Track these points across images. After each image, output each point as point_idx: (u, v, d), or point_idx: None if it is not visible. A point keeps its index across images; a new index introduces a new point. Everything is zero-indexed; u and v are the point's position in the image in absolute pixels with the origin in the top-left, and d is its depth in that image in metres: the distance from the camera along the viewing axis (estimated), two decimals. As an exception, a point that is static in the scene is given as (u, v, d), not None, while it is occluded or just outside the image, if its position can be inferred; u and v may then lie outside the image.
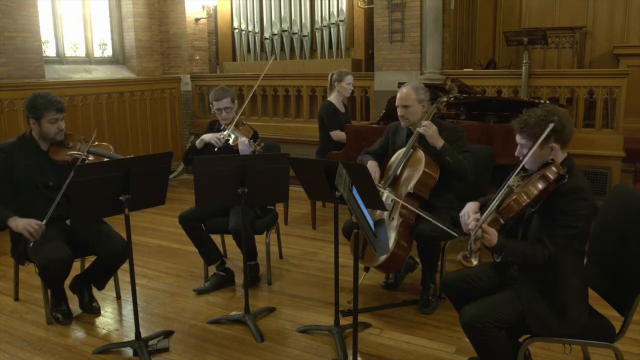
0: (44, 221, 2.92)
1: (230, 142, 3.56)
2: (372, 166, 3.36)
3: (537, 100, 4.47)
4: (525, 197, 2.05)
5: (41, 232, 2.90)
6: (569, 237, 2.05)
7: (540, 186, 2.04)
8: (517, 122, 2.17)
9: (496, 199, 2.13)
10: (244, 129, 3.66)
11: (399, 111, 3.26)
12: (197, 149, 3.66)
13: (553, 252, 2.06)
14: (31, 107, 3.05)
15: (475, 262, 2.06)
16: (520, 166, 2.14)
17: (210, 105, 3.75)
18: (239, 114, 3.77)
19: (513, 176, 2.15)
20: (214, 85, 7.26)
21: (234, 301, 3.45)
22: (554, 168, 2.06)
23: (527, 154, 2.13)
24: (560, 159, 2.14)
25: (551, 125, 2.05)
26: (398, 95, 3.26)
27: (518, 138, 2.19)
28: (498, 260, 2.19)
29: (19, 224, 2.90)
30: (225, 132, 3.60)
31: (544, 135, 2.06)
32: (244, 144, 3.47)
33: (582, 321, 2.12)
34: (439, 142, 3.12)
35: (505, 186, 2.14)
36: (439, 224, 2.96)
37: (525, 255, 2.10)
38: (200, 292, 3.58)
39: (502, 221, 2.09)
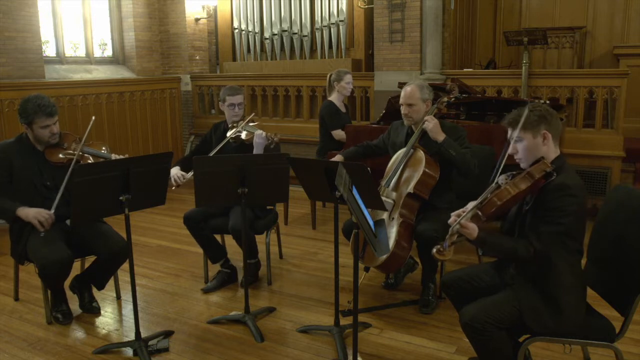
0: (52, 210, 2.95)
1: (243, 136, 3.52)
2: (338, 159, 3.42)
3: (536, 100, 4.47)
4: (506, 194, 2.07)
5: (51, 221, 2.93)
6: (556, 233, 2.07)
7: (523, 185, 2.07)
8: (506, 117, 2.23)
9: (482, 195, 2.14)
10: (257, 125, 3.65)
11: (403, 109, 3.26)
12: (188, 162, 3.51)
13: (539, 248, 2.07)
14: (22, 113, 3.04)
15: (448, 256, 2.10)
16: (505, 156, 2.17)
17: (221, 102, 3.71)
18: (251, 116, 3.71)
19: (499, 174, 2.17)
20: (214, 85, 7.35)
21: (234, 301, 3.45)
22: (541, 166, 2.09)
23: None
24: (552, 156, 2.16)
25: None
26: (402, 94, 3.26)
27: (509, 133, 2.21)
28: (481, 254, 2.21)
29: (29, 213, 2.93)
30: (234, 130, 3.55)
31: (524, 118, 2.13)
32: (260, 136, 3.41)
33: (578, 320, 2.13)
34: (441, 136, 3.11)
35: (494, 183, 2.16)
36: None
37: (506, 250, 2.14)
38: (207, 290, 3.59)
39: (482, 216, 2.10)
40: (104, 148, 3.33)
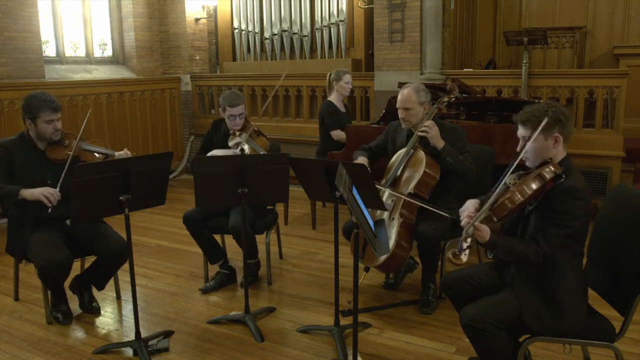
0: (57, 188, 2.95)
1: (247, 153, 3.44)
2: (361, 162, 3.36)
3: (537, 100, 4.47)
4: (519, 196, 2.05)
5: (57, 197, 2.93)
6: (564, 236, 2.06)
7: (534, 186, 2.05)
8: (520, 114, 2.18)
9: (492, 196, 2.13)
10: (260, 140, 3.56)
11: (400, 113, 3.25)
12: None
13: (548, 251, 2.06)
14: (26, 108, 3.06)
15: (464, 259, 2.07)
16: (519, 158, 2.15)
17: (221, 110, 3.61)
18: (253, 123, 3.61)
19: (509, 173, 2.16)
20: (214, 85, 7.35)
21: (234, 301, 3.45)
22: (551, 167, 2.07)
23: (527, 140, 2.12)
24: (559, 158, 2.14)
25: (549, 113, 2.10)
26: (399, 97, 3.25)
27: (521, 131, 2.18)
28: (491, 257, 2.19)
29: (35, 191, 2.93)
30: (240, 141, 3.46)
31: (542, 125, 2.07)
32: None
33: (580, 321, 2.13)
34: (440, 143, 3.11)
35: (502, 184, 2.14)
36: (442, 212, 2.95)
37: (517, 253, 2.12)
38: (205, 291, 3.59)
39: (495, 219, 2.09)
40: (106, 146, 3.34)
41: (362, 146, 3.58)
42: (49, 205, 2.92)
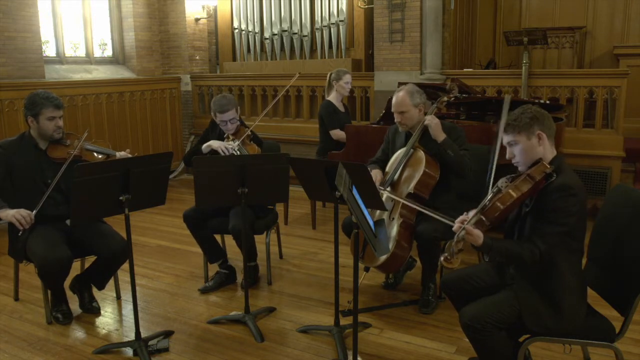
0: (34, 212, 2.92)
1: None
2: (375, 174, 3.32)
3: (536, 100, 4.47)
4: (509, 198, 2.06)
5: (30, 220, 2.89)
6: (560, 234, 2.07)
7: (524, 188, 2.07)
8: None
9: (484, 200, 2.14)
10: (251, 148, 3.52)
11: (396, 117, 3.25)
12: (201, 154, 3.44)
13: (544, 251, 2.07)
14: (29, 105, 3.07)
15: (456, 263, 2.09)
16: (495, 160, 2.16)
17: (213, 114, 3.57)
18: (248, 126, 3.56)
19: (493, 170, 2.18)
20: (214, 85, 7.35)
21: (234, 301, 3.45)
22: (540, 167, 2.08)
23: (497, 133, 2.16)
24: (549, 157, 2.16)
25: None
26: (393, 101, 3.24)
27: (505, 139, 2.22)
28: (487, 260, 2.20)
29: (9, 213, 2.90)
30: (234, 145, 3.43)
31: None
32: None
33: (579, 320, 2.13)
34: (441, 136, 3.12)
35: (495, 187, 2.16)
36: (441, 218, 2.94)
37: (512, 255, 2.13)
38: (204, 291, 3.59)
39: (485, 221, 2.10)
40: (108, 146, 3.35)
41: (369, 160, 3.54)
42: (20, 228, 2.88)
